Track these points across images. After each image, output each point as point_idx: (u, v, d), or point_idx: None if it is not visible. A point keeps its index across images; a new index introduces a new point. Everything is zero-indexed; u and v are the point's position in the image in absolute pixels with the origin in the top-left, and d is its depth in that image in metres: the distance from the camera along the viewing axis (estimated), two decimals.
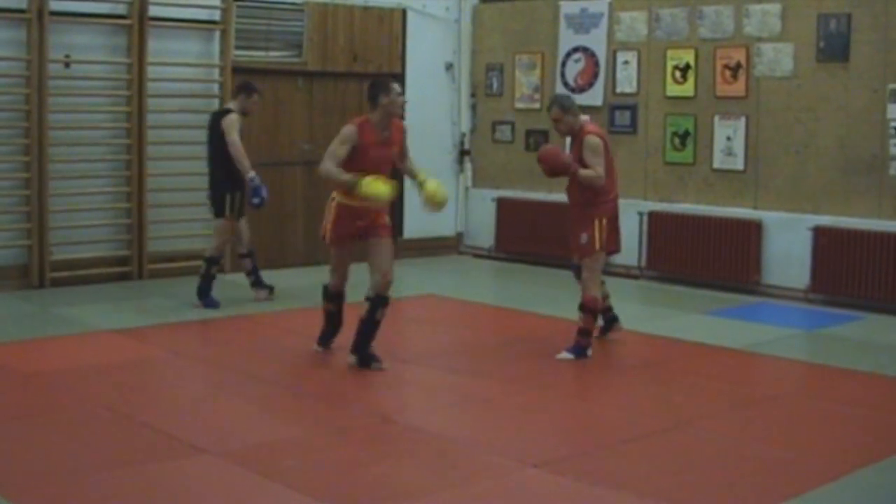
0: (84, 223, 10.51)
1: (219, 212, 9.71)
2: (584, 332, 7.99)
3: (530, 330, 8.68)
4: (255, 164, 11.50)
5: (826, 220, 10.19)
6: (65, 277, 10.31)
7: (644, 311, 10.04)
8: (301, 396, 6.97)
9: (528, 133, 12.53)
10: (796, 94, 10.39)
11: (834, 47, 10.10)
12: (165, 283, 10.64)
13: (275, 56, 11.76)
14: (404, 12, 12.63)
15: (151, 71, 10.68)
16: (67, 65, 10.34)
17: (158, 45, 10.74)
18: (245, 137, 11.42)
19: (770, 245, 10.59)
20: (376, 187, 7.26)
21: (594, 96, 11.91)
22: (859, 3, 9.93)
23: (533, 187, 12.22)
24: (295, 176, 11.96)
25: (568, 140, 8.68)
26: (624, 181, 11.62)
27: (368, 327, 7.55)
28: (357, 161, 7.36)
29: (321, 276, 10.36)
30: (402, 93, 7.78)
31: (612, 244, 8.14)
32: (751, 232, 10.61)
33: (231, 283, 10.84)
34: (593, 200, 7.95)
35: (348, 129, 7.43)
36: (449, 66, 13.07)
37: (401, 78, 12.57)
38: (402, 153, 7.80)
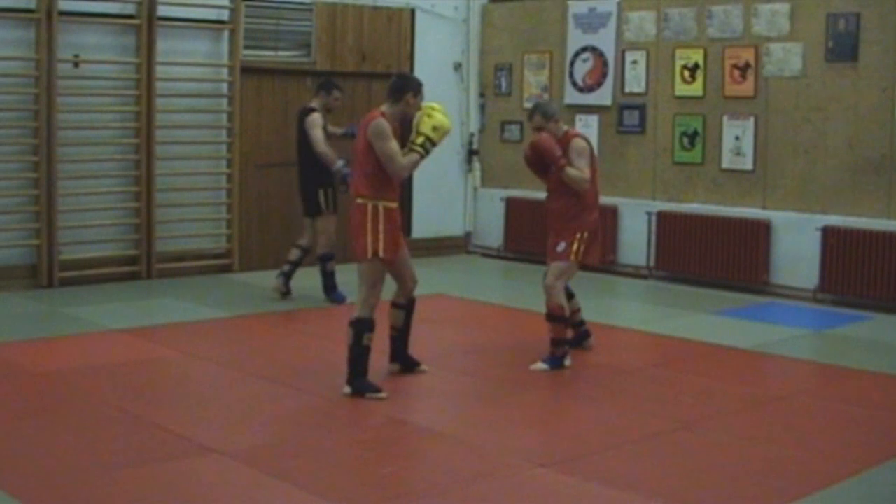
0: (93, 223, 10.52)
1: (314, 210, 9.88)
2: (556, 343, 7.67)
3: (538, 330, 8.64)
4: (264, 165, 11.58)
5: (835, 220, 10.17)
6: (73, 277, 10.33)
7: (652, 311, 10.05)
8: (309, 396, 6.97)
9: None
10: (805, 94, 10.37)
11: (843, 47, 10.08)
12: (174, 283, 10.65)
13: (283, 56, 11.77)
14: (413, 12, 12.64)
15: (160, 71, 10.69)
16: (76, 64, 10.36)
17: (167, 45, 10.76)
18: (254, 137, 11.49)
19: (779, 245, 10.57)
20: (442, 119, 6.97)
21: (603, 96, 11.90)
22: (868, 2, 9.90)
23: (541, 187, 12.14)
24: None
25: None
26: (632, 181, 11.71)
27: (408, 332, 7.51)
28: (376, 155, 6.90)
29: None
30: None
31: (591, 257, 7.82)
32: (759, 232, 10.59)
33: (240, 283, 10.86)
34: (577, 215, 7.68)
35: (383, 124, 6.88)
36: (457, 66, 13.07)
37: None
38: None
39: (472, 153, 13.22)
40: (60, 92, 10.16)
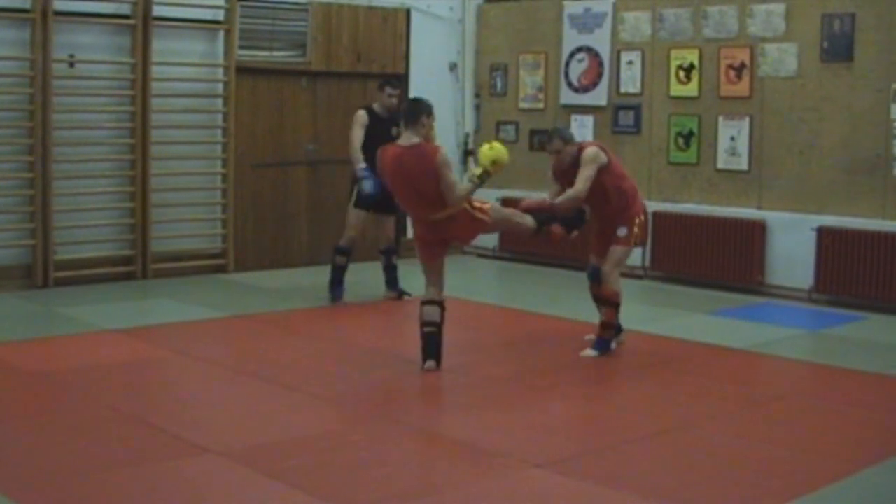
0: (88, 223, 10.51)
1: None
2: (606, 326, 8.06)
3: (534, 330, 8.67)
4: (259, 165, 11.58)
5: (830, 220, 10.17)
6: (69, 277, 10.32)
7: (648, 311, 10.04)
8: (305, 396, 6.97)
9: (533, 133, 12.53)
10: (800, 95, 10.38)
11: (838, 47, 10.09)
12: (169, 283, 10.64)
13: (279, 56, 11.77)
14: (408, 12, 12.64)
15: (155, 71, 10.68)
16: (71, 64, 10.35)
17: (162, 45, 10.75)
18: (249, 137, 11.49)
19: (774, 245, 10.58)
20: (501, 153, 7.58)
21: (598, 96, 11.91)
22: (863, 3, 9.91)
23: (537, 187, 12.20)
24: (299, 176, 11.97)
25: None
26: None
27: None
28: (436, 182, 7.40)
29: (323, 275, 10.41)
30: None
31: (643, 238, 8.29)
32: (755, 232, 10.60)
33: (235, 283, 10.85)
34: (628, 205, 7.98)
35: (446, 154, 7.42)
36: (453, 66, 13.07)
37: (405, 78, 12.61)
38: None
39: (467, 153, 13.21)
40: (55, 92, 10.15)
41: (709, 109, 11.03)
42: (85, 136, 10.49)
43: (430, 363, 7.52)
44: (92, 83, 10.53)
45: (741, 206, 10.81)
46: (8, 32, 9.99)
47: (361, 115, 9.78)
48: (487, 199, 12.73)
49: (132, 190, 10.72)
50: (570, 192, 7.78)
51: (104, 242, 10.67)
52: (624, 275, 11.43)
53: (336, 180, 12.16)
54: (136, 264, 10.77)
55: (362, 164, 9.50)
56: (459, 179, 13.01)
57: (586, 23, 12.01)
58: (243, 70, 11.34)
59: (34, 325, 8.94)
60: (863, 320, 9.54)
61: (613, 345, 8.14)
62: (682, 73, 11.21)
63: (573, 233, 8.04)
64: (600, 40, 11.89)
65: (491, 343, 8.65)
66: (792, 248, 10.41)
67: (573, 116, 12.08)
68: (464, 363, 7.88)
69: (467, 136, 13.19)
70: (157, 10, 10.63)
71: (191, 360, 7.98)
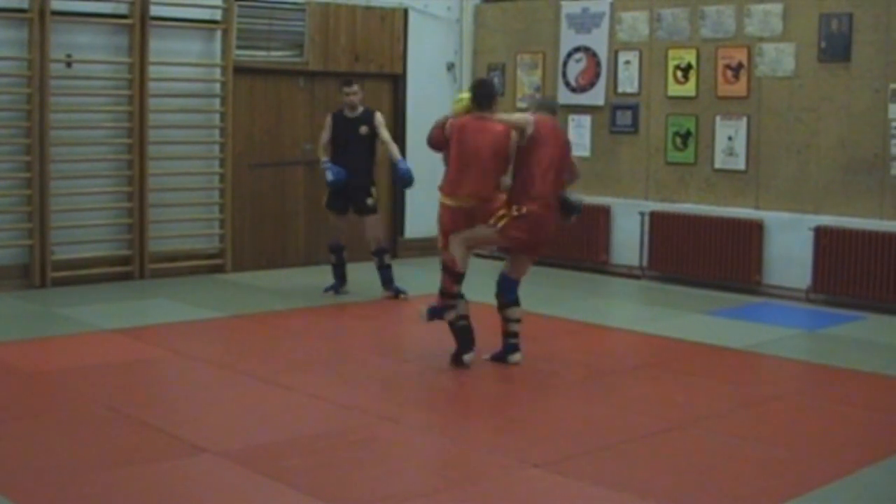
0: (85, 223, 10.50)
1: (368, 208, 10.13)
2: (443, 294, 7.65)
3: (531, 330, 8.66)
4: (257, 165, 11.58)
5: (827, 220, 10.18)
6: (66, 277, 10.31)
7: (645, 312, 10.05)
8: (302, 396, 6.97)
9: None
10: (798, 94, 10.38)
11: (835, 47, 10.09)
12: (167, 283, 10.63)
13: (276, 56, 11.76)
14: (406, 12, 12.63)
15: (153, 71, 10.67)
16: (69, 64, 10.34)
17: (160, 45, 10.74)
18: (246, 137, 11.48)
19: (771, 245, 10.59)
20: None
21: (596, 96, 11.91)
22: (861, 2, 9.92)
23: None
24: (296, 176, 11.96)
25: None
26: (625, 181, 11.73)
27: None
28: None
29: (322, 276, 10.41)
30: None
31: (517, 241, 7.61)
32: (752, 232, 10.60)
33: (232, 283, 10.85)
34: (522, 188, 7.53)
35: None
36: (450, 66, 13.07)
37: (402, 78, 12.61)
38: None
39: None
40: (53, 92, 10.14)
41: (706, 109, 11.03)
42: (82, 136, 10.48)
43: (470, 356, 7.57)
44: (89, 83, 10.52)
45: (739, 206, 10.82)
46: (5, 32, 9.98)
47: (328, 120, 10.14)
48: None
49: (130, 190, 10.71)
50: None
51: (102, 242, 10.66)
52: (621, 275, 11.53)
53: None
54: (134, 264, 10.76)
55: (324, 158, 10.00)
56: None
57: (584, 23, 12.01)
58: (241, 70, 11.33)
59: (32, 326, 8.92)
60: (860, 320, 9.55)
61: (449, 315, 7.58)
62: (679, 73, 11.21)
63: (571, 219, 7.83)
64: (598, 40, 11.89)
65: (488, 342, 8.63)
66: (789, 248, 10.42)
67: (571, 116, 12.08)
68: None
69: None
70: (155, 10, 10.63)
71: (188, 360, 7.97)
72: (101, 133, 10.66)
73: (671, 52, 11.27)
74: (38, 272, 10.21)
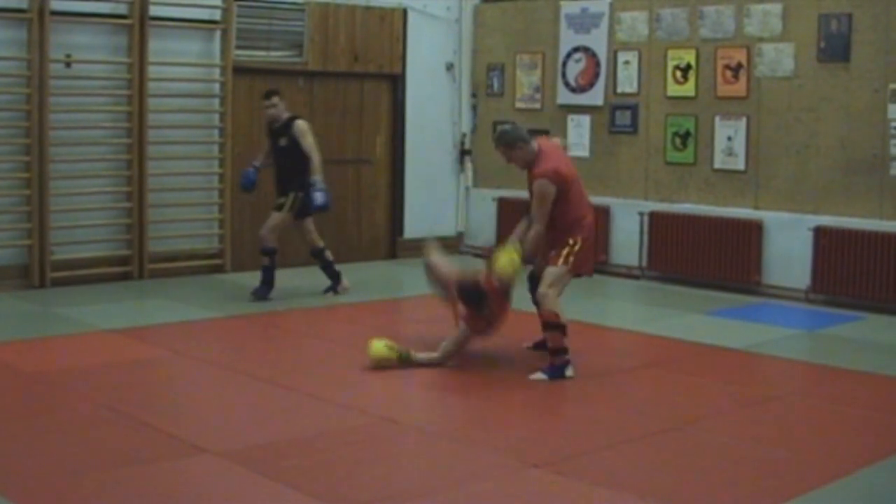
0: (85, 223, 10.50)
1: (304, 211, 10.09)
2: (554, 352, 7.46)
3: (530, 330, 8.65)
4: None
5: (827, 220, 10.18)
6: (65, 277, 10.31)
7: (644, 312, 10.06)
8: (301, 396, 6.97)
9: (530, 133, 12.47)
10: (797, 95, 10.39)
11: (835, 47, 10.09)
12: (166, 283, 10.64)
13: (275, 56, 11.76)
14: (405, 12, 12.63)
15: (152, 71, 10.67)
16: (68, 64, 10.34)
17: (159, 45, 10.74)
18: (246, 137, 11.47)
19: (771, 245, 10.59)
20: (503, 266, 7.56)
21: (595, 96, 11.91)
22: (860, 3, 9.92)
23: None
24: None
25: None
26: (624, 181, 11.73)
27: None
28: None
29: (320, 276, 10.40)
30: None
31: (585, 267, 7.70)
32: (751, 232, 10.61)
33: (232, 284, 10.84)
34: (565, 230, 7.51)
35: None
36: (450, 66, 13.07)
37: (402, 78, 12.61)
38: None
39: (463, 153, 13.22)
40: (52, 92, 10.14)
41: (706, 109, 11.04)
42: (82, 136, 10.48)
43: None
44: (89, 83, 10.52)
45: (738, 206, 10.82)
46: (5, 32, 9.98)
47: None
48: (485, 199, 12.83)
49: (129, 190, 10.71)
50: (530, 235, 7.53)
51: (101, 242, 10.66)
52: (620, 275, 11.54)
53: (333, 180, 12.14)
54: (133, 264, 10.76)
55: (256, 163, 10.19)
56: (458, 179, 13.18)
57: (583, 23, 12.01)
58: (240, 70, 11.33)
59: (31, 326, 8.92)
60: (860, 320, 9.55)
61: (569, 372, 7.45)
62: (678, 73, 11.22)
63: (482, 311, 7.63)
64: (597, 40, 11.89)
65: (487, 343, 8.63)
66: (789, 248, 10.42)
67: (570, 116, 12.09)
68: (461, 363, 7.87)
69: (464, 136, 13.19)
70: (154, 10, 10.63)
71: (188, 360, 7.98)
72: (100, 133, 10.66)
73: (670, 53, 11.27)
74: (37, 272, 10.21)
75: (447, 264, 8.29)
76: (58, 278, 10.28)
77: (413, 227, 12.71)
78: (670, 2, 11.27)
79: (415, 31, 12.71)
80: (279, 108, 10.00)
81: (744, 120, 10.74)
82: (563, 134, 11.75)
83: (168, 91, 10.90)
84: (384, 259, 12.58)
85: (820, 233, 10.15)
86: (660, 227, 11.27)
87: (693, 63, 11.10)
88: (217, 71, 11.28)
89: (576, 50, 12.08)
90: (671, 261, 11.22)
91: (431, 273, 8.27)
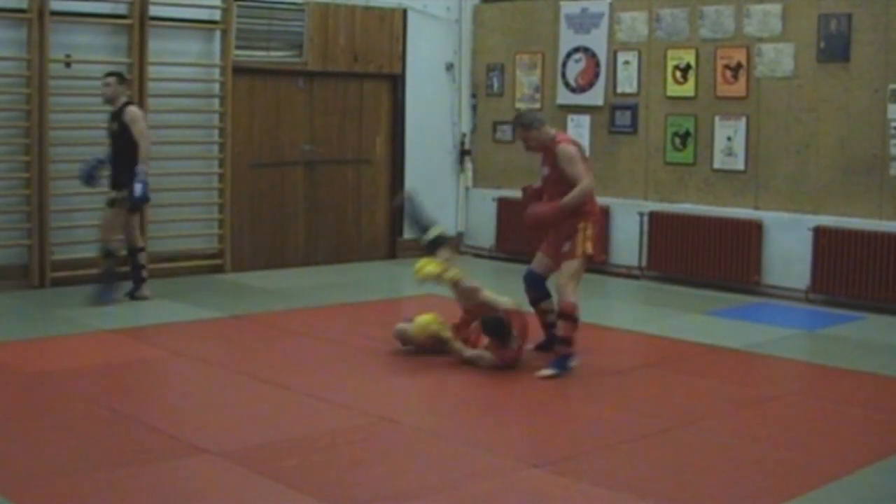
0: (84, 223, 10.48)
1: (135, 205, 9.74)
2: (563, 341, 7.54)
3: (530, 332, 8.66)
4: (256, 165, 11.58)
5: (826, 220, 10.19)
6: (65, 277, 10.30)
7: (644, 312, 10.06)
8: (301, 396, 6.97)
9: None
10: (797, 95, 10.39)
11: (834, 47, 10.10)
12: (165, 283, 10.62)
13: (275, 56, 11.76)
14: (405, 12, 12.63)
15: (152, 71, 10.67)
16: (68, 64, 10.34)
17: (159, 45, 10.74)
18: (246, 137, 11.47)
19: (770, 245, 10.59)
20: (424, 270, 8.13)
21: (595, 96, 11.92)
22: (860, 3, 9.93)
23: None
24: (296, 176, 11.96)
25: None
26: (624, 181, 11.72)
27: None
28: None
29: (320, 276, 10.41)
30: None
31: (598, 253, 7.75)
32: (751, 232, 10.61)
33: (231, 284, 10.85)
34: (578, 209, 7.56)
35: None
36: (449, 66, 13.07)
37: (401, 78, 12.62)
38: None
39: (463, 153, 13.22)
40: (52, 92, 10.14)
41: (705, 109, 11.04)
42: (81, 136, 10.46)
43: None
44: (88, 83, 10.48)
45: (738, 207, 10.82)
46: (4, 32, 9.99)
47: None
48: (485, 199, 12.83)
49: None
50: (576, 192, 7.50)
51: (100, 243, 10.63)
52: (620, 275, 11.54)
53: (333, 180, 12.18)
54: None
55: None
56: (458, 179, 13.19)
57: (583, 23, 12.02)
58: (240, 70, 11.33)
59: (31, 326, 8.92)
60: (859, 320, 9.55)
61: (574, 362, 7.55)
62: (678, 74, 11.22)
63: (510, 345, 7.63)
64: (597, 40, 11.90)
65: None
66: (788, 248, 10.43)
67: (570, 116, 12.09)
68: (462, 363, 7.87)
69: (464, 136, 13.20)
70: (154, 10, 10.63)
71: (187, 360, 7.98)
72: (100, 133, 10.61)
73: (670, 53, 11.27)
74: (37, 272, 10.21)
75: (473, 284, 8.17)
76: (57, 278, 10.28)
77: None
78: (670, 2, 11.27)
79: (415, 31, 12.72)
80: (112, 89, 9.60)
81: (743, 120, 10.74)
82: None
83: (168, 91, 10.89)
84: (384, 259, 12.59)
85: (819, 233, 10.15)
86: (660, 227, 11.28)
87: (693, 63, 11.10)
88: (217, 71, 11.28)
89: (576, 50, 12.08)
90: (671, 261, 11.22)
91: (463, 292, 8.12)
